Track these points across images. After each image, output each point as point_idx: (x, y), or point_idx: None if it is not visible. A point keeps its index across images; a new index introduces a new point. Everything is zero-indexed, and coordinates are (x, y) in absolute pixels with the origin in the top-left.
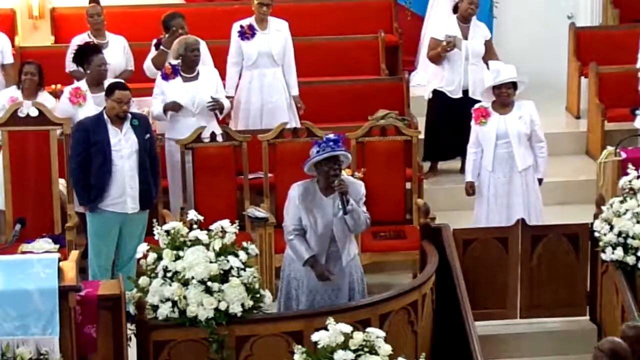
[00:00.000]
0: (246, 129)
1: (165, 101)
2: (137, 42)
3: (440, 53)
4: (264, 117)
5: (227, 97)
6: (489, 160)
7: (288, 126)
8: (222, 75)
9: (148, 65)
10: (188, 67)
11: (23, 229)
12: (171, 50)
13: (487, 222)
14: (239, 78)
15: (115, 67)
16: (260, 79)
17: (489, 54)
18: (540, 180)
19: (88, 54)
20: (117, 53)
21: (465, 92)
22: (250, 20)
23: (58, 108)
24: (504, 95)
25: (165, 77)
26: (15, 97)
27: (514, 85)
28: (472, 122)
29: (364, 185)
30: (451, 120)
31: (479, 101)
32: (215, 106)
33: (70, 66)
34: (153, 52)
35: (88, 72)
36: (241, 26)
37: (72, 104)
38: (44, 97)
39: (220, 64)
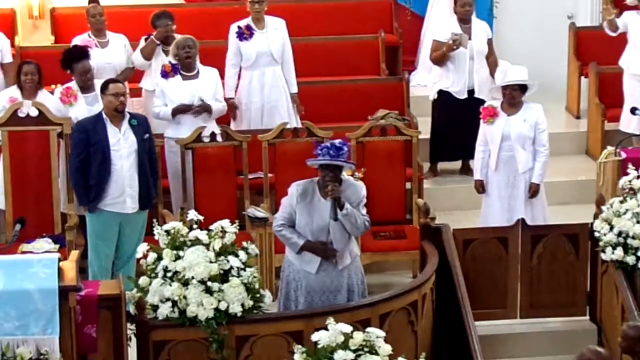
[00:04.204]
0: (247, 129)
1: (165, 100)
2: (137, 42)
3: (445, 53)
4: (264, 117)
5: (227, 99)
6: (493, 160)
7: (288, 126)
8: (223, 75)
9: (136, 56)
10: (184, 65)
11: (23, 229)
12: (170, 50)
13: (492, 222)
14: (239, 79)
15: (117, 65)
16: (261, 78)
17: (490, 54)
18: (537, 186)
19: (70, 62)
20: (118, 51)
21: (471, 92)
22: (247, 20)
23: (50, 107)
24: (509, 97)
25: (165, 75)
26: (15, 97)
27: (521, 87)
28: (481, 121)
29: (365, 186)
30: (457, 120)
31: (484, 101)
32: (200, 111)
33: None
34: (142, 45)
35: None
36: (239, 27)
37: (64, 104)
38: (44, 96)
39: (220, 64)
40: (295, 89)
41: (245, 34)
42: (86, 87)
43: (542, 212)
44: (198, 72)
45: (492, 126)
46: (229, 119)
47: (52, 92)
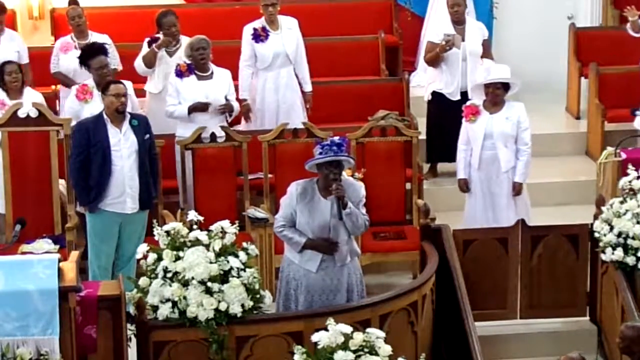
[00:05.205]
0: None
1: (180, 99)
2: (137, 43)
3: (438, 53)
4: (280, 118)
5: (239, 100)
6: (475, 159)
7: (297, 125)
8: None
9: (138, 63)
10: (198, 66)
11: (23, 230)
12: (183, 50)
13: (476, 221)
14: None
15: None
16: (276, 79)
17: (485, 54)
18: (520, 185)
19: (87, 57)
20: None
21: (464, 93)
22: (262, 21)
23: (65, 105)
24: (492, 95)
25: (180, 74)
26: (1, 99)
27: (504, 85)
28: (463, 119)
29: (364, 186)
30: (451, 121)
31: None
32: (226, 109)
33: (53, 68)
34: (145, 49)
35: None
36: (254, 29)
37: (79, 100)
38: (30, 94)
39: (221, 65)
40: (309, 87)
41: (261, 36)
42: (104, 83)
43: (525, 211)
44: (212, 72)
45: (474, 124)
46: (239, 119)
47: (53, 93)
